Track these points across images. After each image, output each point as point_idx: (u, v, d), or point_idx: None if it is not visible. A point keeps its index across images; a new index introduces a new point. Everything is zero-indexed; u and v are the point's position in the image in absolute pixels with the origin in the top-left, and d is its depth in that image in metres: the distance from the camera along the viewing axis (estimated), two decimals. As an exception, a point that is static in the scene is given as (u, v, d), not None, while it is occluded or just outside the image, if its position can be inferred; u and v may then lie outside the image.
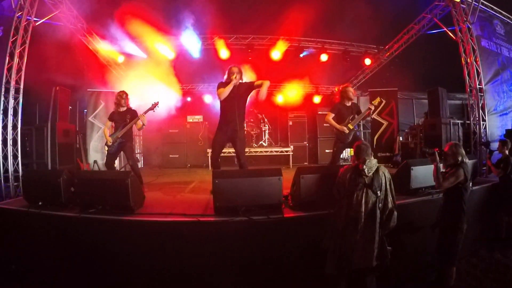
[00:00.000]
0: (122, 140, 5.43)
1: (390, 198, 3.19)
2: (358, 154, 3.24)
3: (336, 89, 5.81)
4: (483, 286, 3.95)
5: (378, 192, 3.11)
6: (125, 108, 5.59)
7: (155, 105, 5.47)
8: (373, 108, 5.42)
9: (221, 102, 4.73)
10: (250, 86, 4.75)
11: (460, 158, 3.60)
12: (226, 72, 4.69)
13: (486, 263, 4.56)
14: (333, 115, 5.42)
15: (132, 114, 5.49)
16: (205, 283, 3.57)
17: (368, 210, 3.07)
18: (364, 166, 3.13)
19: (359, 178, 3.14)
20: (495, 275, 4.21)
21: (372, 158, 3.24)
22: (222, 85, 4.66)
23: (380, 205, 3.11)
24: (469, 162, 3.76)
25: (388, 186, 3.20)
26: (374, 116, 9.59)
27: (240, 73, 4.73)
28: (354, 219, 3.08)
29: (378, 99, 5.63)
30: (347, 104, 5.47)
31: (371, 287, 3.21)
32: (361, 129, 11.86)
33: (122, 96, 5.55)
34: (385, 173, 3.22)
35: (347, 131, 5.25)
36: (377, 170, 3.18)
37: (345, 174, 3.26)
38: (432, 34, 8.39)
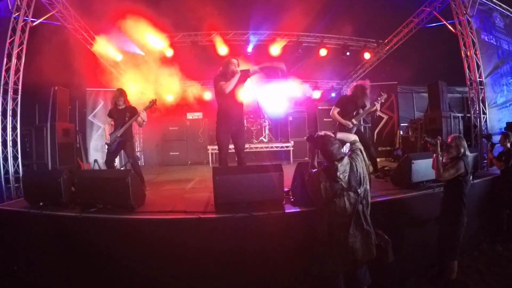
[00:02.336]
0: (121, 139, 5.38)
1: (367, 179, 2.93)
2: (329, 157, 2.87)
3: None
4: (485, 279, 3.95)
5: (359, 189, 2.84)
6: (124, 106, 5.52)
7: (153, 102, 5.39)
8: (379, 107, 5.30)
9: (221, 97, 4.50)
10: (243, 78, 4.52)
11: (462, 151, 3.60)
12: (223, 63, 4.47)
13: (488, 257, 4.56)
14: (338, 109, 5.37)
15: (132, 112, 5.40)
16: (207, 280, 3.57)
17: (354, 210, 2.82)
18: (338, 173, 2.78)
19: (336, 184, 2.80)
20: (497, 268, 4.21)
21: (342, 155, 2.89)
22: (221, 78, 4.42)
23: (363, 200, 2.87)
24: (470, 155, 3.75)
25: (363, 172, 2.90)
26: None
27: (239, 66, 4.51)
28: (342, 225, 2.82)
29: (384, 96, 5.50)
30: (354, 99, 5.33)
31: (365, 277, 3.01)
32: (361, 123, 11.82)
33: (118, 94, 5.48)
34: (358, 161, 2.92)
35: (350, 126, 5.24)
36: (351, 167, 2.85)
37: (317, 184, 2.85)
38: (432, 28, 8.35)
